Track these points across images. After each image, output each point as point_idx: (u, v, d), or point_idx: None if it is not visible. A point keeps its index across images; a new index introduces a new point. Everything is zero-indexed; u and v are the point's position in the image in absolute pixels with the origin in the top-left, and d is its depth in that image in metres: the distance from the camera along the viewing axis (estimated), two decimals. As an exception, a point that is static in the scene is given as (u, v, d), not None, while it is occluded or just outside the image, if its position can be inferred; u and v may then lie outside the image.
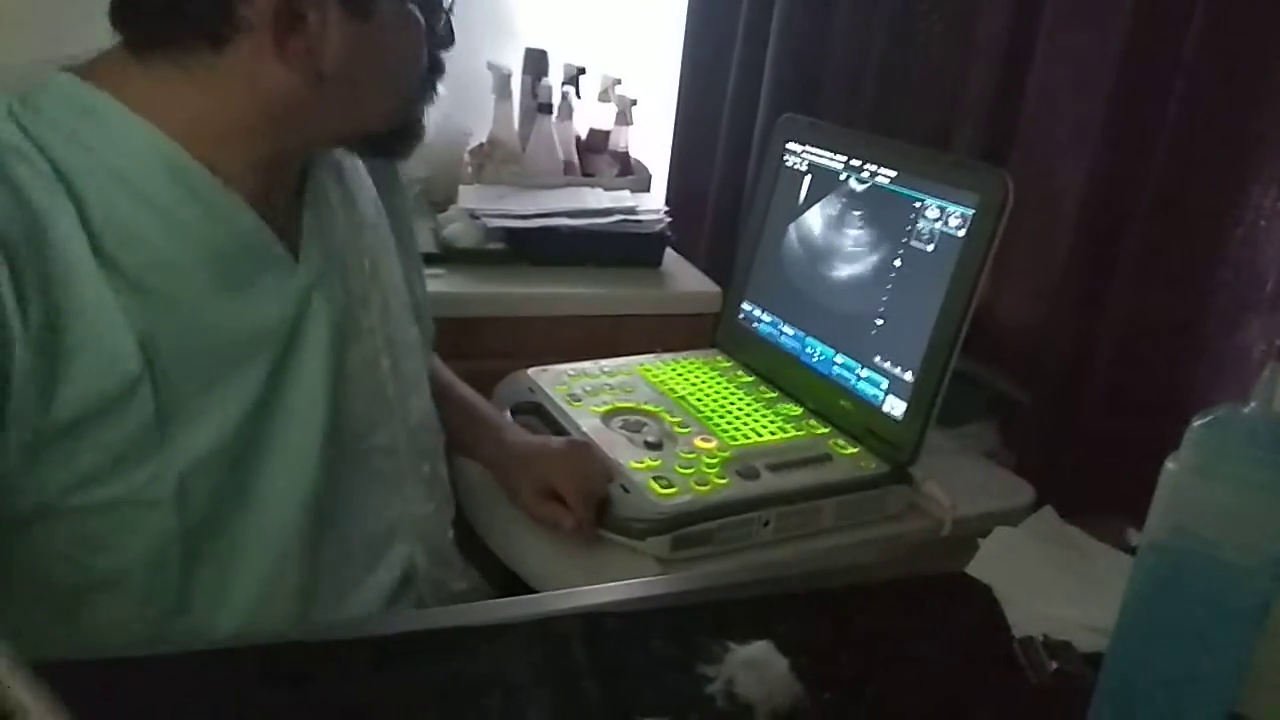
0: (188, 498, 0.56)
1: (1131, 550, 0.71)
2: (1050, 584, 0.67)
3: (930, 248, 0.86)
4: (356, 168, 0.72)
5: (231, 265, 0.58)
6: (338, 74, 0.57)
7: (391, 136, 0.66)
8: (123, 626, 0.57)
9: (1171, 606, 0.49)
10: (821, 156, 0.99)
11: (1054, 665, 0.59)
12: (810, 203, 1.00)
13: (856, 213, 0.94)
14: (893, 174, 0.91)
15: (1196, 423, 0.47)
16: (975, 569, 0.68)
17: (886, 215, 0.90)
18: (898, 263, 0.89)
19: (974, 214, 0.81)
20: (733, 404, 0.94)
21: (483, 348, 0.77)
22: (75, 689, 0.49)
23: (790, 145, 1.03)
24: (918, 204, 0.87)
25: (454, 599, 0.74)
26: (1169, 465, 0.48)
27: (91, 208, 0.53)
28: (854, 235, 0.94)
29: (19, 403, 0.50)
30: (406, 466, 0.71)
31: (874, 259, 0.91)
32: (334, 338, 0.63)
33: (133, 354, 0.53)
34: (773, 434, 0.89)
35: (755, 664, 0.55)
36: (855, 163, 0.94)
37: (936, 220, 0.85)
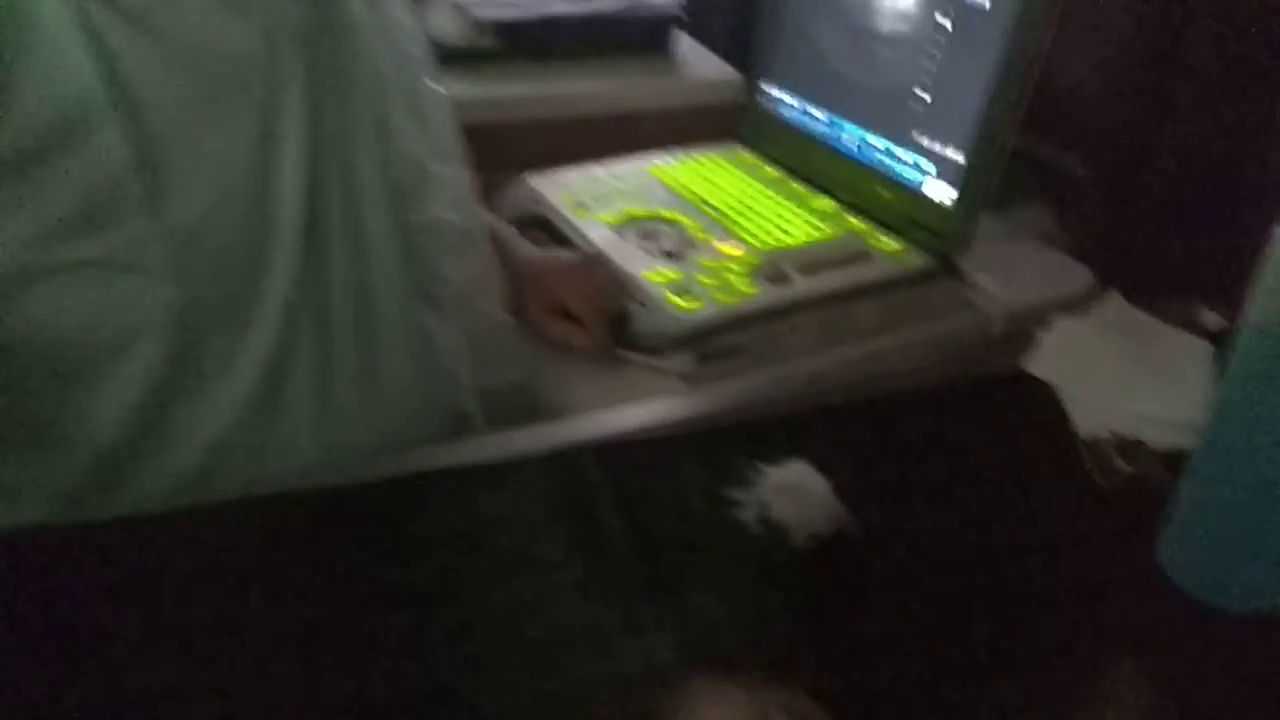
0: (188, 269, 0.50)
1: (1210, 335, 0.64)
2: (1120, 377, 0.61)
3: (985, 1, 0.73)
4: None
5: None
6: None
7: None
8: (136, 406, 0.52)
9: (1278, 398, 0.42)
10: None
11: (1126, 467, 0.54)
12: (840, -42, 0.86)
13: (895, -37, 0.81)
14: (938, -89, 0.77)
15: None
16: (1035, 366, 0.62)
17: (931, -37, 0.77)
18: (946, 22, 0.76)
19: (1037, -48, 0.69)
20: (759, 203, 0.85)
21: (476, 157, 0.68)
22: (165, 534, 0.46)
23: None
24: (968, -54, 0.74)
25: (511, 394, 0.68)
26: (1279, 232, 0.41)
27: None
28: (892, -9, 0.81)
29: None
30: (450, 243, 0.63)
31: (917, 20, 0.79)
32: (321, 84, 0.54)
33: (86, 63, 0.45)
34: (804, 233, 0.80)
35: (791, 486, 0.50)
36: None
37: (991, -35, 0.72)
